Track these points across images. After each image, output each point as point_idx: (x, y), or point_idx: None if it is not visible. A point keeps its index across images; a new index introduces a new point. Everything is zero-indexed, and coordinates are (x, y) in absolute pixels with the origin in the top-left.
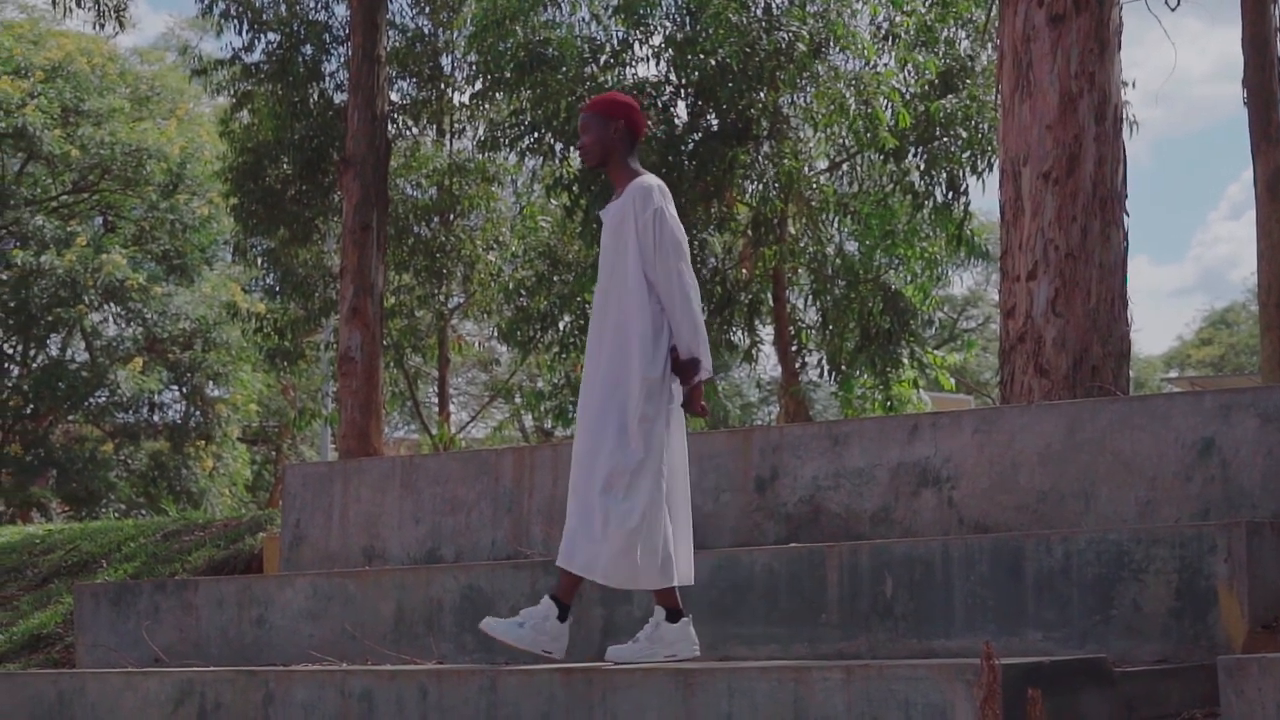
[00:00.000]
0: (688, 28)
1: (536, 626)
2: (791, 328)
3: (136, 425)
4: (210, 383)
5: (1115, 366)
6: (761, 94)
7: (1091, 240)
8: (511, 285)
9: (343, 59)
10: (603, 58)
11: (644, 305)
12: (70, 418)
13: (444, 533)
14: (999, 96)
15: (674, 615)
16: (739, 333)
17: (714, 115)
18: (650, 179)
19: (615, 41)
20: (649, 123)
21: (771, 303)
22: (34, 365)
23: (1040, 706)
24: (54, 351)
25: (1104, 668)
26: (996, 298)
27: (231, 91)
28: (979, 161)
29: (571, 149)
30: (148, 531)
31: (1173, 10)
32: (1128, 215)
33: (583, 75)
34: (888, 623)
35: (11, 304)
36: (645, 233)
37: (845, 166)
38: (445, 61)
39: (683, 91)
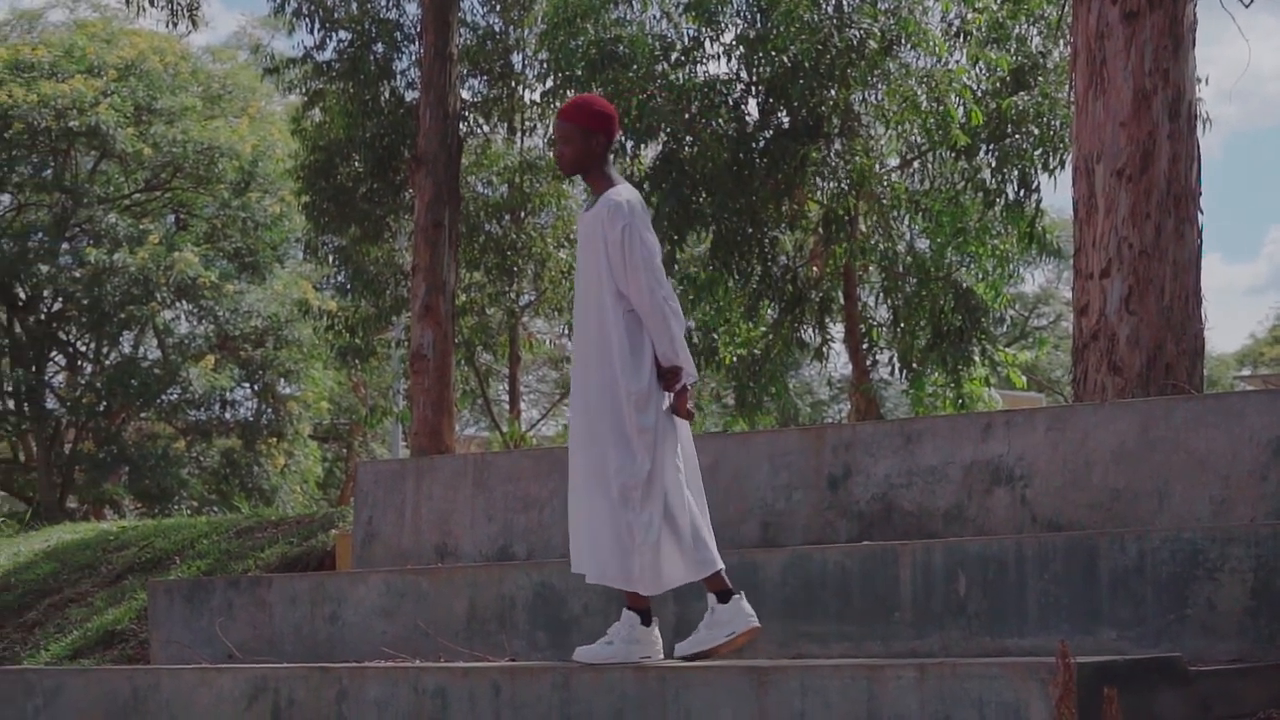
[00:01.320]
0: (759, 25)
1: (626, 639)
2: (862, 325)
3: (208, 422)
4: (282, 380)
5: (1189, 364)
6: (833, 91)
7: (1165, 237)
8: None
9: (414, 57)
10: (673, 55)
11: (619, 319)
12: (143, 415)
13: (516, 530)
14: (1072, 93)
15: (724, 596)
16: (809, 330)
17: (785, 113)
18: (623, 191)
19: (686, 39)
20: (720, 120)
21: (842, 300)
22: (107, 363)
23: (1116, 705)
24: (127, 349)
25: (1179, 667)
26: (1068, 295)
27: (303, 89)
28: (1050, 159)
29: (643, 147)
30: (220, 528)
31: (1246, 7)
32: (1201, 212)
33: (653, 73)
34: (961, 621)
35: (85, 302)
36: (615, 249)
37: (916, 164)
38: (516, 59)
39: (754, 89)
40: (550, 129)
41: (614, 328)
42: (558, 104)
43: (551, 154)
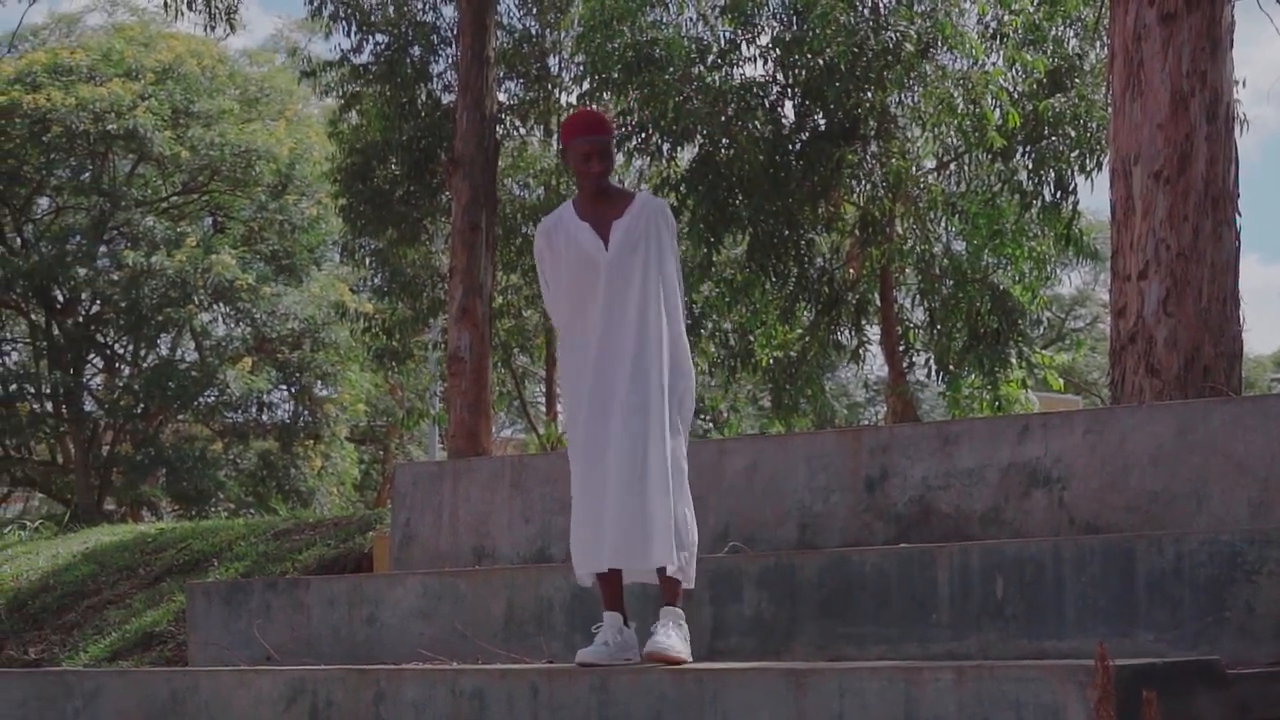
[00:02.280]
0: (795, 27)
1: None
2: (899, 327)
3: (245, 424)
4: (319, 382)
5: (1227, 367)
6: (869, 94)
7: (1203, 240)
8: None
9: (451, 60)
10: (710, 58)
11: (661, 310)
12: (180, 417)
13: (553, 532)
14: (1109, 95)
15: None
16: (846, 332)
17: (821, 115)
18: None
19: (722, 41)
20: (756, 123)
21: (879, 302)
22: (144, 365)
23: (1155, 708)
24: (164, 351)
25: (1218, 669)
26: (1104, 297)
27: (340, 93)
28: (1087, 161)
29: (679, 149)
30: (258, 530)
31: None
32: (1239, 214)
33: (690, 75)
34: (998, 623)
35: (122, 304)
36: (670, 239)
37: (953, 166)
38: (552, 62)
39: (790, 91)
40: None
41: (658, 319)
42: (593, 106)
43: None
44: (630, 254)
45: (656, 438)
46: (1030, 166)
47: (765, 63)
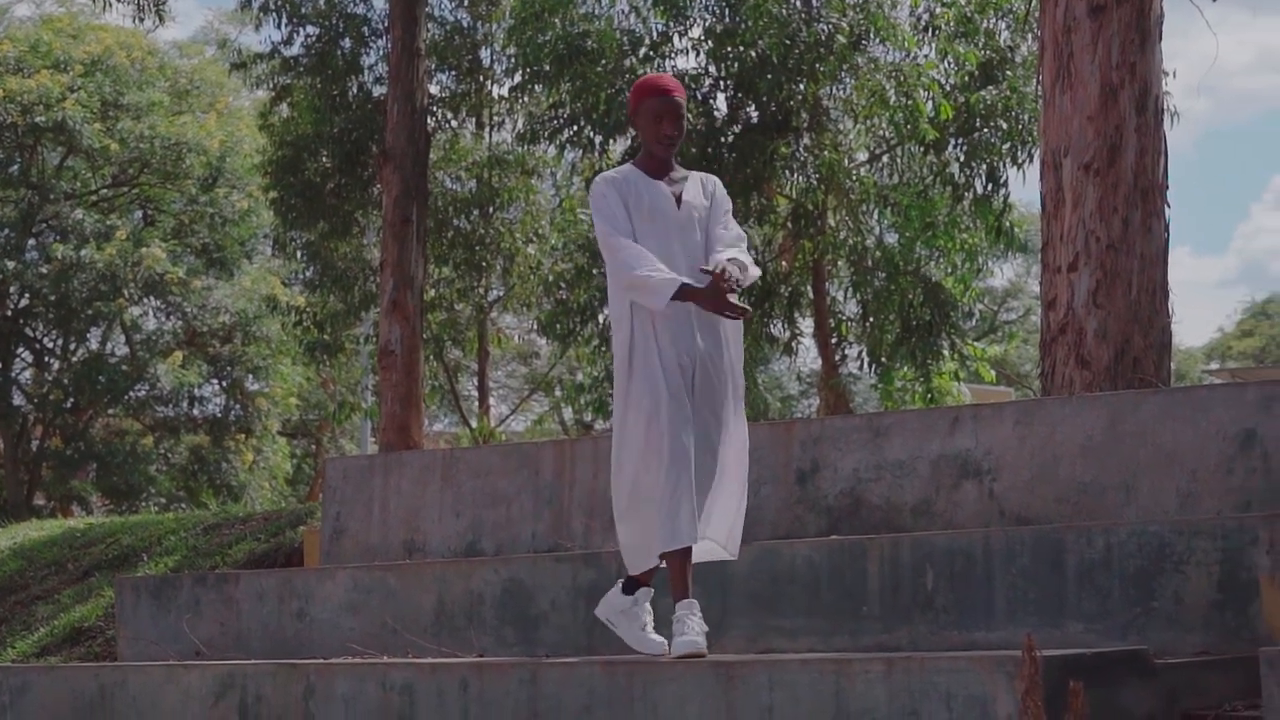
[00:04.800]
0: (727, 19)
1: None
2: (831, 320)
3: (176, 419)
4: (250, 376)
5: (1156, 358)
6: (801, 86)
7: (1133, 231)
8: (551, 278)
9: (382, 52)
10: (642, 50)
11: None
12: (110, 411)
13: (484, 526)
14: (1039, 88)
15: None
16: (779, 325)
17: (754, 107)
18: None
19: (654, 34)
20: (690, 115)
21: (811, 295)
22: (74, 359)
23: (1082, 698)
24: (94, 345)
25: (1145, 659)
26: (1037, 289)
27: (271, 85)
28: (1019, 153)
29: (611, 141)
30: (188, 525)
31: (1214, 1)
32: (1169, 206)
33: (622, 68)
34: (929, 615)
35: (52, 298)
36: (730, 219)
37: (885, 158)
38: (484, 54)
39: (722, 83)
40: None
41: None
42: (525, 98)
43: (519, 149)
44: (698, 215)
45: (720, 417)
46: (962, 159)
47: (697, 55)
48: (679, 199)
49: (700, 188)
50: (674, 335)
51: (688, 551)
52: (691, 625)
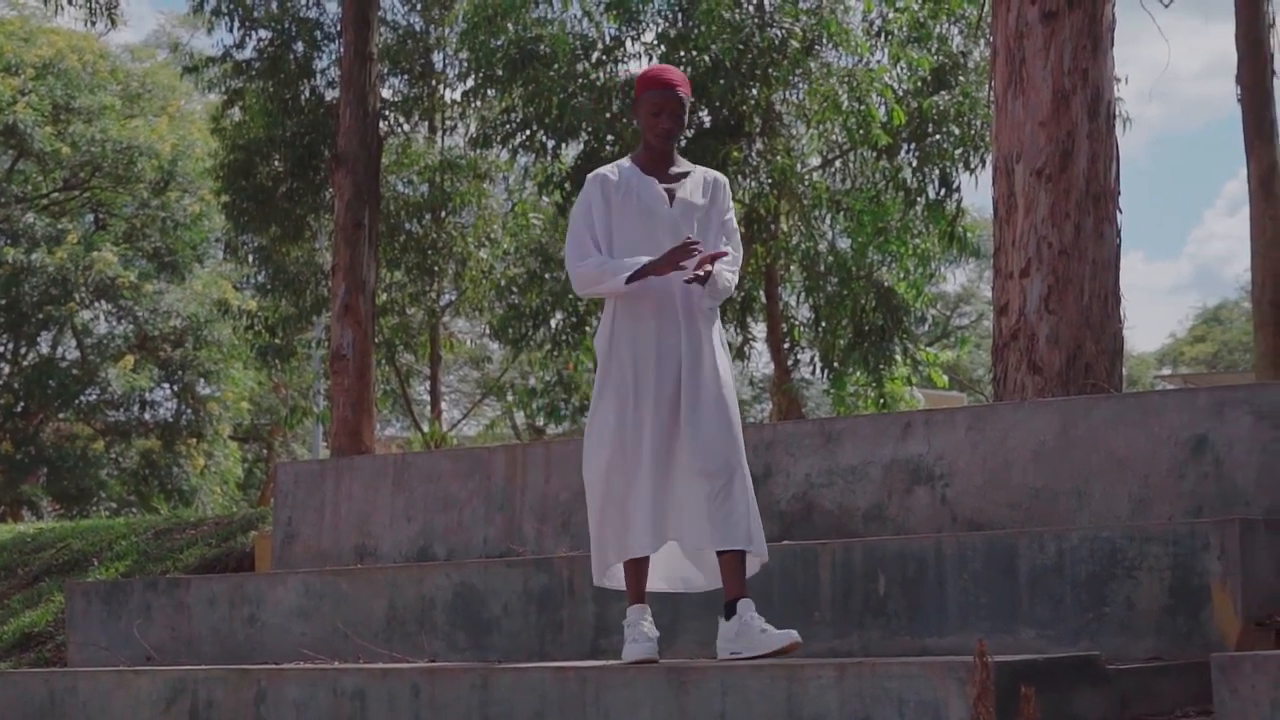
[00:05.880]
0: (680, 24)
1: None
2: (784, 325)
3: (127, 423)
4: (201, 380)
5: (1108, 364)
6: (754, 90)
7: (1084, 237)
8: (503, 282)
9: (334, 56)
10: (595, 54)
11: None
12: (61, 416)
13: (436, 531)
14: (992, 93)
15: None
16: (731, 330)
17: (706, 112)
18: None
19: (607, 38)
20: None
21: (764, 300)
22: (24, 363)
23: (1033, 704)
24: (45, 349)
25: (1097, 665)
26: (989, 294)
27: (223, 88)
28: (971, 158)
29: (564, 146)
30: (139, 530)
31: (1166, 7)
32: (1121, 212)
33: (574, 72)
34: (881, 620)
35: (2, 302)
36: (730, 217)
37: (838, 163)
38: (437, 58)
39: None
40: (470, 129)
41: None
42: (478, 103)
43: (471, 153)
44: (693, 213)
45: (723, 416)
46: (915, 164)
47: (650, 59)
48: (672, 196)
49: (700, 185)
50: (658, 331)
51: (643, 560)
52: (644, 631)
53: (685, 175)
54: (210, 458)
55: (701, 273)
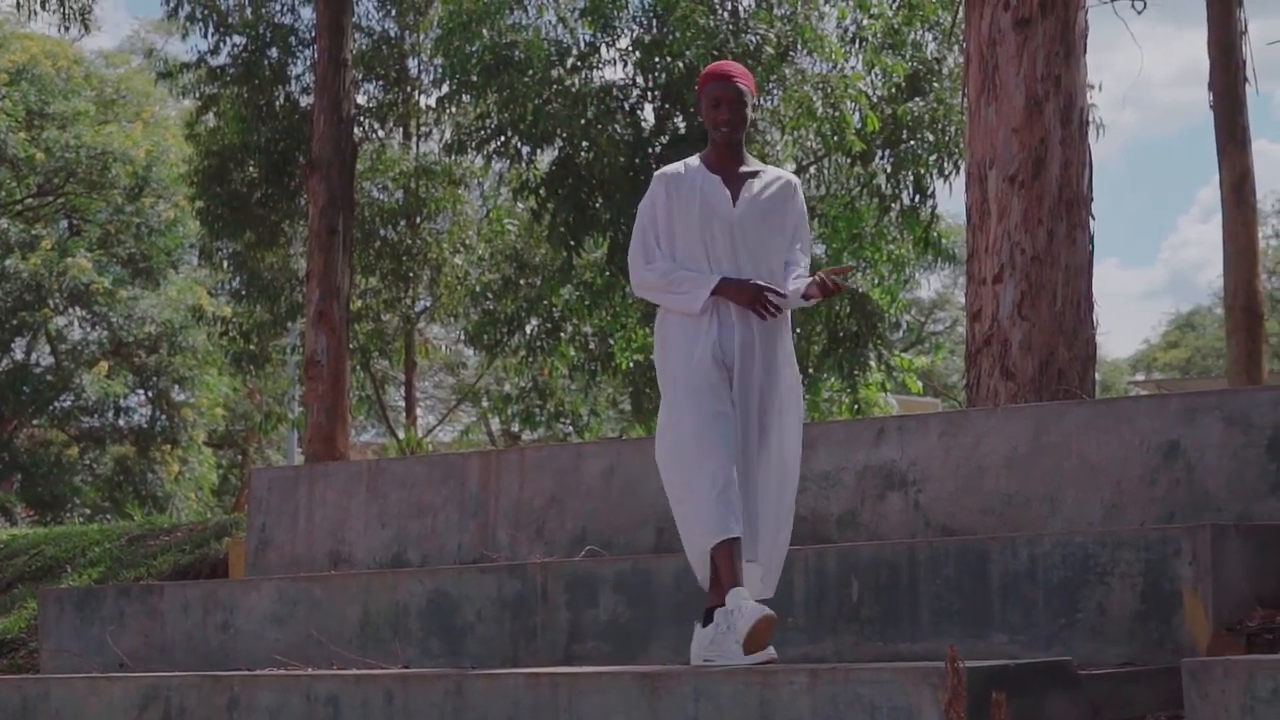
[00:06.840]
0: (655, 30)
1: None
2: None
3: (102, 429)
4: (176, 386)
5: (1081, 369)
6: None
7: (1057, 243)
8: (478, 288)
9: (309, 62)
10: (569, 61)
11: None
12: (35, 422)
13: (410, 537)
14: (965, 100)
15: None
16: None
17: (681, 118)
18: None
19: (582, 44)
20: (616, 126)
21: None
22: None
23: (1005, 710)
24: (18, 355)
25: (1069, 671)
26: (963, 301)
27: (197, 94)
28: (946, 165)
29: (539, 152)
30: (113, 536)
31: (1139, 14)
32: (1093, 218)
33: (549, 78)
34: (854, 626)
35: None
36: (802, 220)
37: (812, 169)
38: (412, 64)
39: (650, 94)
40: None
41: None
42: (452, 109)
43: (446, 159)
44: (759, 215)
45: (775, 431)
46: (889, 170)
47: (625, 66)
48: (736, 195)
49: (769, 186)
50: (719, 332)
51: (733, 542)
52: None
53: (754, 175)
54: (185, 464)
55: (772, 308)
